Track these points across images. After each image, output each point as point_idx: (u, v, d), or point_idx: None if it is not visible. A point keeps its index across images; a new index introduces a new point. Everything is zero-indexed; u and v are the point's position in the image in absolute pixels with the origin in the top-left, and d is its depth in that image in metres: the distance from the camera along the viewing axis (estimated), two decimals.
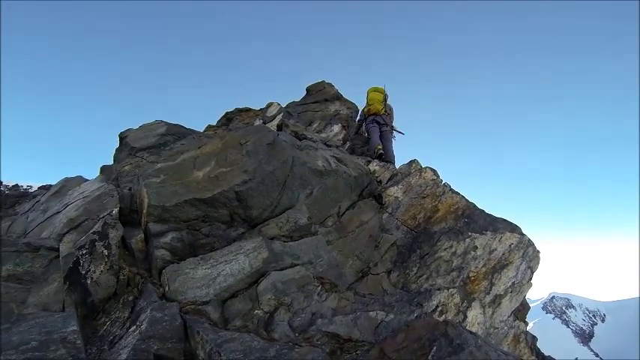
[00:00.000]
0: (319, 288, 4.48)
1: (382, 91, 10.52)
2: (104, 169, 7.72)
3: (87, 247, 4.45)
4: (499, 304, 7.02)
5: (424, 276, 5.90)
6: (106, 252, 4.51)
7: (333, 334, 3.99)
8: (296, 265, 4.66)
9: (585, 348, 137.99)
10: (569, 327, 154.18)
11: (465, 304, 6.25)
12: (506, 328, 7.56)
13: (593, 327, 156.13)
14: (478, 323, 6.45)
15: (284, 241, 5.01)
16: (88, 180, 7.21)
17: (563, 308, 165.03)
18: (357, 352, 3.99)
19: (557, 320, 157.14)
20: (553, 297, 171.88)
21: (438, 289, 5.87)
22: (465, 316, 6.16)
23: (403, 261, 5.92)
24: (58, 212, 5.68)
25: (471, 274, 6.44)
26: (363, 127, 10.98)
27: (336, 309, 4.33)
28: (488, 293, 6.74)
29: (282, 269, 4.54)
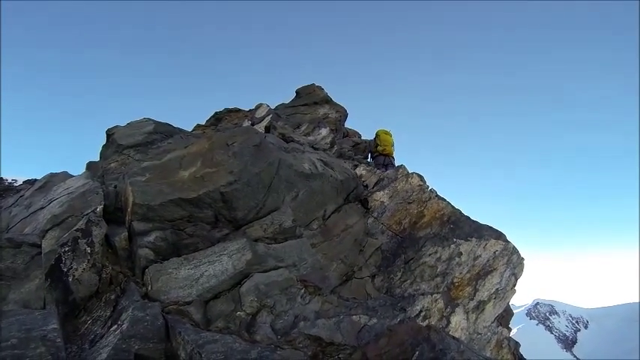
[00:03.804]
0: (302, 291, 4.46)
1: (392, 135, 11.19)
2: (90, 166, 7.63)
3: (70, 244, 4.40)
4: (483, 310, 7.07)
5: (408, 281, 5.92)
6: (88, 250, 4.46)
7: (316, 337, 3.97)
8: (280, 267, 4.65)
9: (568, 354, 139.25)
10: (552, 333, 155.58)
11: (448, 310, 6.29)
12: (489, 333, 7.60)
13: (576, 333, 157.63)
14: (461, 329, 6.49)
15: (268, 243, 5.00)
16: (73, 176, 7.12)
17: (547, 314, 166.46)
18: (340, 355, 3.97)
19: (541, 326, 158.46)
20: (537, 303, 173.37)
21: (422, 294, 5.89)
22: (449, 322, 6.20)
23: (388, 265, 5.94)
24: (42, 208, 5.61)
25: (455, 280, 6.48)
26: (370, 159, 11.36)
27: (319, 312, 4.31)
28: (472, 299, 6.78)
29: (265, 271, 4.52)
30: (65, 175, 7.20)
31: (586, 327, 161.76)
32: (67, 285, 4.20)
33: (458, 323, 6.43)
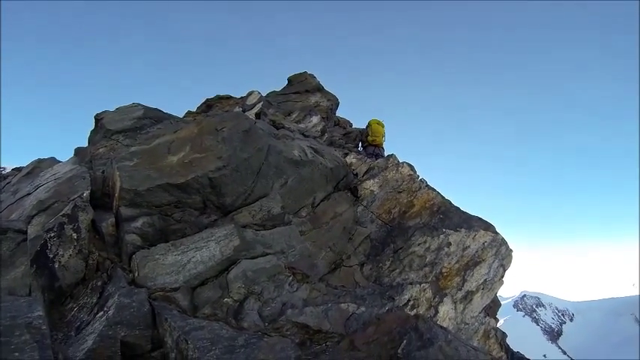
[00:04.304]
0: (290, 278, 4.43)
1: (384, 126, 11.22)
2: (78, 152, 7.51)
3: (55, 230, 4.32)
4: (470, 300, 7.09)
5: (397, 270, 5.91)
6: (75, 235, 4.38)
7: (303, 324, 3.94)
8: (268, 254, 4.61)
9: (554, 345, 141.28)
10: (538, 325, 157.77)
11: (436, 299, 6.30)
12: (477, 324, 7.65)
13: (562, 325, 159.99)
14: (449, 318, 6.50)
15: (256, 230, 4.95)
16: (60, 162, 7.01)
17: (534, 307, 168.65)
18: (327, 343, 3.96)
19: (528, 318, 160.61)
20: (524, 295, 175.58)
21: (411, 284, 5.89)
22: (437, 311, 6.21)
23: (377, 254, 5.92)
24: (29, 194, 5.51)
25: (443, 270, 6.49)
26: (360, 148, 11.37)
27: (307, 300, 4.28)
28: (460, 289, 6.80)
29: (253, 258, 4.48)
30: (52, 161, 7.10)
31: (572, 320, 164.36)
32: (53, 271, 4.13)
33: (446, 313, 6.44)
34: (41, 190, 5.40)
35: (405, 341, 3.89)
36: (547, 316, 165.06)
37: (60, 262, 4.19)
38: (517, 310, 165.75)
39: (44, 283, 4.08)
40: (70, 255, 4.26)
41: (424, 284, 6.06)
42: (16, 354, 2.83)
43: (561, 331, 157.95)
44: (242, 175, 5.28)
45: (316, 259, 5.09)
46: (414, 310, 5.64)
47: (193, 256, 4.35)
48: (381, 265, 5.83)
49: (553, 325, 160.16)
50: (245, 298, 4.07)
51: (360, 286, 5.15)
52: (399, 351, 3.79)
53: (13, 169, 9.04)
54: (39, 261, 4.13)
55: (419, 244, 6.32)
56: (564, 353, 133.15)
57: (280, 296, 4.16)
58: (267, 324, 3.86)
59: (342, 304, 4.46)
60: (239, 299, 4.06)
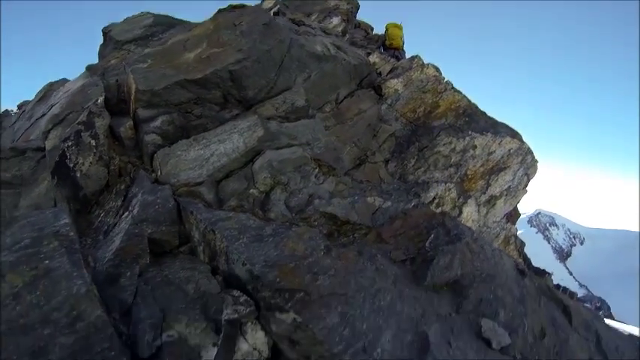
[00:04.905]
0: (317, 170, 4.32)
1: (401, 28, 10.79)
2: (89, 68, 7.26)
3: (72, 138, 4.20)
4: (494, 205, 7.06)
5: (422, 168, 5.80)
6: (93, 142, 4.25)
7: (331, 215, 3.88)
8: (293, 145, 4.45)
9: (562, 265, 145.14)
10: (549, 243, 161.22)
11: (461, 200, 6.25)
12: (498, 228, 7.69)
13: (571, 248, 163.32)
14: (472, 220, 6.49)
15: (280, 122, 4.78)
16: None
17: (547, 225, 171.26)
18: (355, 235, 3.93)
19: (540, 235, 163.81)
20: (539, 213, 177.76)
21: (436, 182, 5.81)
22: (461, 212, 6.18)
23: (401, 152, 5.78)
24: (44, 115, 5.34)
25: (468, 172, 6.38)
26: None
27: (334, 192, 4.19)
28: (484, 193, 6.75)
29: (278, 148, 4.33)
30: (64, 82, 6.88)
31: (582, 243, 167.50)
32: (76, 181, 4.06)
33: (469, 214, 6.42)
34: (55, 107, 5.24)
35: (432, 235, 3.87)
36: (559, 236, 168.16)
37: (81, 170, 4.11)
38: (531, 226, 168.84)
39: (68, 193, 4.04)
40: (91, 163, 4.17)
41: (449, 184, 5.98)
42: (47, 262, 2.84)
43: (570, 253, 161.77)
44: (264, 66, 5.02)
45: (341, 153, 4.94)
46: (439, 209, 5.61)
47: (216, 149, 4.22)
48: (405, 162, 5.70)
49: (563, 246, 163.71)
50: (271, 189, 3.98)
51: (385, 183, 5.06)
52: (427, 244, 3.78)
53: (23, 102, 8.85)
54: (59, 172, 4.06)
55: (444, 145, 6.14)
56: (570, 274, 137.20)
57: (307, 187, 4.06)
58: (294, 214, 3.79)
59: (369, 198, 4.39)
60: (265, 190, 3.97)
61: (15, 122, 6.41)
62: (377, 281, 3.20)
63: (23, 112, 6.62)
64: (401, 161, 5.65)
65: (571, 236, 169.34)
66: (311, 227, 3.65)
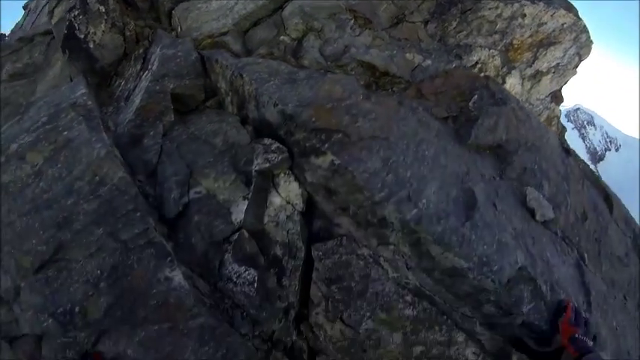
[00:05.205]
0: (352, 22, 3.88)
1: None
2: None
3: (78, 7, 3.79)
4: (539, 80, 6.56)
5: (464, 32, 5.26)
6: (102, 8, 3.82)
7: (369, 64, 3.51)
8: None
9: (592, 167, 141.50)
10: (584, 142, 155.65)
11: (504, 70, 5.79)
12: (541, 107, 7.23)
13: (605, 152, 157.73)
14: (515, 93, 6.04)
15: None
16: None
17: (585, 123, 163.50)
18: (394, 88, 3.60)
19: (576, 132, 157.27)
20: (578, 109, 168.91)
21: (480, 46, 5.33)
22: (504, 81, 5.74)
23: (442, 13, 5.21)
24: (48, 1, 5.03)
25: (514, 42, 5.81)
26: None
27: (370, 46, 3.79)
28: (530, 66, 6.22)
29: None
30: None
31: (617, 150, 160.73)
32: (90, 53, 3.73)
33: (512, 86, 5.96)
34: None
35: (476, 96, 3.55)
36: (595, 137, 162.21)
37: (94, 41, 3.75)
38: (567, 121, 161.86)
39: (84, 67, 3.75)
40: (104, 31, 3.78)
41: (493, 50, 5.48)
42: (65, 133, 2.76)
43: (604, 157, 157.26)
44: None
45: (377, 9, 4.45)
46: (482, 74, 5.19)
47: None
48: (446, 25, 5.16)
49: (598, 149, 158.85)
50: (304, 36, 3.58)
51: (424, 43, 4.62)
52: (471, 104, 3.46)
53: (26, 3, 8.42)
54: (70, 45, 3.76)
55: (490, 9, 5.51)
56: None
57: (342, 38, 3.64)
58: (329, 62, 3.43)
59: (408, 54, 3.98)
60: (297, 37, 3.58)
61: (23, 25, 6.11)
62: (419, 132, 2.93)
63: (29, 11, 6.31)
64: (441, 23, 5.13)
65: (607, 140, 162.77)
66: (347, 75, 3.34)
